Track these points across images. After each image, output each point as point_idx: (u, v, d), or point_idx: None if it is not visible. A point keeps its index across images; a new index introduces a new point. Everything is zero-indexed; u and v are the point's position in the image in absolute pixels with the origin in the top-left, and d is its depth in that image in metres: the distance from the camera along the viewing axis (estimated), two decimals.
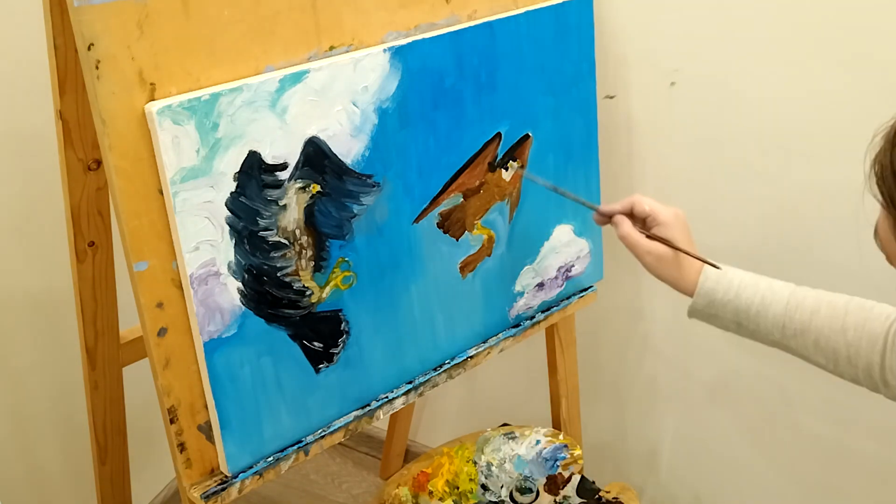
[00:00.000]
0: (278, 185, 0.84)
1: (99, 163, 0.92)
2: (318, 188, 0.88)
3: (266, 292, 0.87)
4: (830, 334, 0.86)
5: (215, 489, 0.89)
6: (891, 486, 1.28)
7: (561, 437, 1.30)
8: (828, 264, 1.18)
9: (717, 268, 0.93)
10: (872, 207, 0.69)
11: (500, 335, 1.15)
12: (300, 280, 0.89)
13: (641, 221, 0.96)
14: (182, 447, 0.87)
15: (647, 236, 0.95)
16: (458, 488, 1.25)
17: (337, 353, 0.95)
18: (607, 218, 0.99)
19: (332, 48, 0.88)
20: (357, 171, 0.90)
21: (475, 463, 1.28)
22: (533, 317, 1.19)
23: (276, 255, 0.86)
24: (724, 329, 0.94)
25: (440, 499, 1.24)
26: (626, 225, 0.96)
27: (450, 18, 0.98)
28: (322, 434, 0.97)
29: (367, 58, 0.88)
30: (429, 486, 1.25)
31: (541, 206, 1.13)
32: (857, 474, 1.30)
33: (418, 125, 0.95)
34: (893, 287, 1.14)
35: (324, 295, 0.92)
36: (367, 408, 1.01)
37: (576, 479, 1.24)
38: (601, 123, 1.18)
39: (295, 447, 0.95)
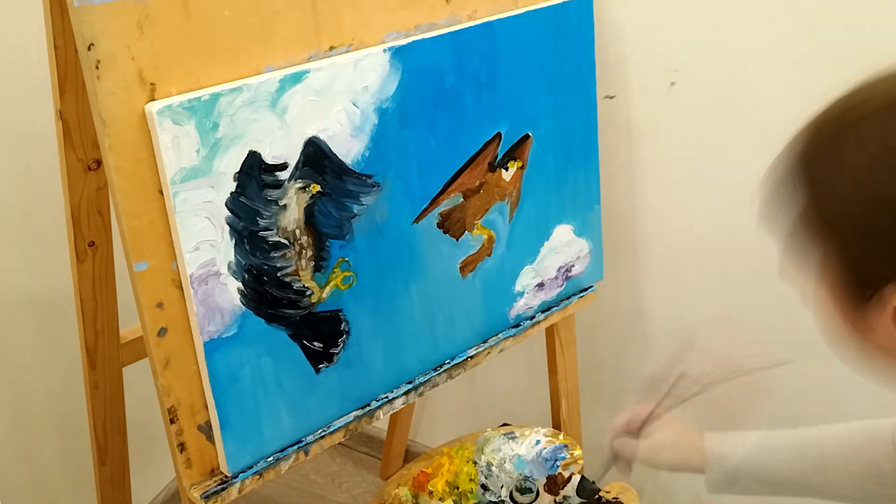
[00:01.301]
0: (278, 185, 0.84)
1: (99, 163, 0.92)
2: (318, 188, 0.88)
3: (266, 292, 0.87)
4: (843, 457, 0.86)
5: (215, 489, 0.89)
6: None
7: (561, 437, 1.30)
8: None
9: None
10: None
11: (500, 335, 1.15)
12: (300, 280, 0.89)
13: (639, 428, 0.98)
14: (182, 447, 0.87)
15: (636, 433, 0.97)
16: (458, 488, 1.25)
17: (337, 353, 0.95)
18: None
19: (332, 48, 0.88)
20: (357, 171, 0.90)
21: (475, 463, 1.28)
22: (533, 317, 1.19)
23: (276, 255, 0.86)
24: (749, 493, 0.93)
25: (440, 499, 1.24)
26: (628, 443, 0.97)
27: (450, 18, 0.98)
28: (322, 434, 0.97)
29: (367, 58, 0.88)
30: (429, 486, 1.25)
31: (541, 206, 1.13)
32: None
33: (418, 125, 0.95)
34: None
35: (324, 295, 0.92)
36: (367, 408, 1.01)
37: (576, 479, 1.24)
38: (601, 123, 1.18)
39: (295, 447, 0.95)
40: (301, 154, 0.85)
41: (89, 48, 0.71)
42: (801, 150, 0.66)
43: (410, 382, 1.05)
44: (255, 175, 0.82)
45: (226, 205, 0.81)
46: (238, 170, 0.81)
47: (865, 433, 0.86)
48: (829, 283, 0.64)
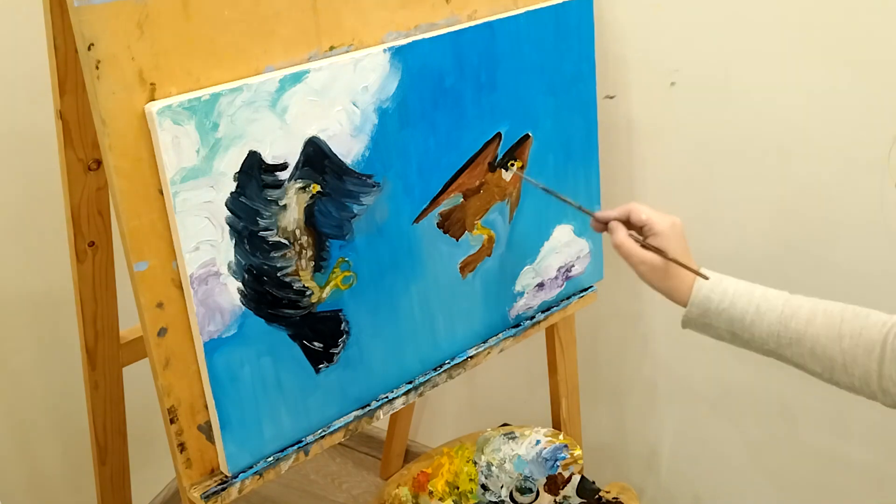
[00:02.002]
0: (278, 185, 0.84)
1: (99, 163, 0.92)
2: (318, 188, 0.88)
3: (266, 292, 0.87)
4: (826, 342, 0.86)
5: (215, 489, 0.89)
6: (887, 488, 1.28)
7: (561, 437, 1.30)
8: (827, 265, 1.18)
9: (705, 277, 0.92)
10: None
11: (500, 335, 1.15)
12: (300, 280, 0.89)
13: (638, 229, 0.96)
14: (182, 447, 0.87)
15: (642, 245, 0.95)
16: (458, 488, 1.25)
17: (337, 353, 0.95)
18: (603, 224, 0.99)
19: (332, 48, 0.88)
20: (357, 171, 0.90)
21: (475, 463, 1.28)
22: (533, 317, 1.19)
23: (276, 255, 0.86)
24: (718, 339, 0.94)
25: (440, 499, 1.24)
26: (621, 233, 0.96)
27: (450, 18, 0.98)
28: (322, 434, 0.97)
29: (367, 58, 0.88)
30: (429, 486, 1.25)
31: (541, 206, 1.13)
32: (855, 475, 1.31)
33: (418, 125, 0.95)
34: (893, 289, 1.15)
35: (324, 295, 0.92)
36: (367, 408, 1.01)
37: (576, 479, 1.24)
38: (601, 123, 1.18)
39: (295, 447, 0.95)
40: (301, 154, 0.85)
41: (89, 48, 0.71)
42: None
43: (410, 382, 1.05)
44: (255, 175, 0.82)
45: (226, 205, 0.81)
46: (238, 170, 0.81)
47: (858, 323, 0.85)
48: None
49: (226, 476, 0.90)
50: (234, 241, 0.82)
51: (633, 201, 0.97)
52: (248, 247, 0.84)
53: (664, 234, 0.94)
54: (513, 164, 1.07)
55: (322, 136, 0.86)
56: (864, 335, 0.84)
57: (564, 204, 1.14)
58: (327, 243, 0.90)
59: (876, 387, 0.83)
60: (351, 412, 1.00)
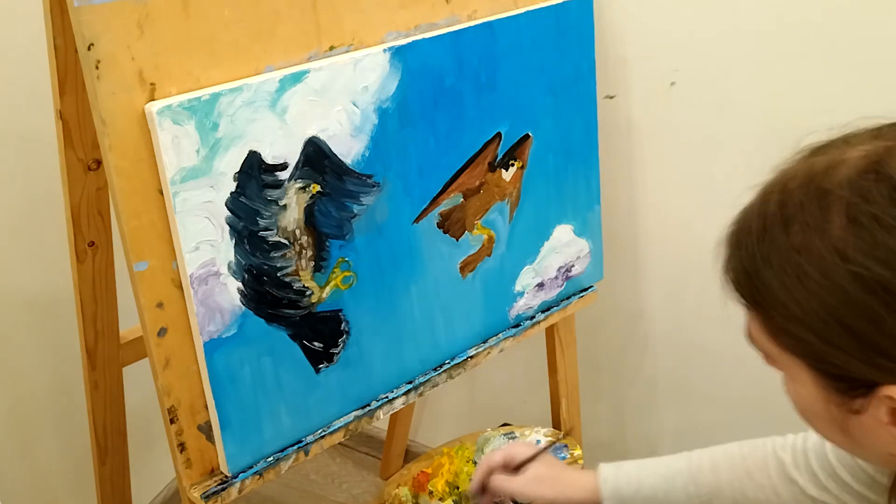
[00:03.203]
0: (278, 185, 0.84)
1: (99, 163, 0.92)
2: (318, 188, 0.88)
3: (266, 292, 0.87)
4: (739, 485, 0.84)
5: (215, 489, 0.89)
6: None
7: (561, 436, 1.30)
8: None
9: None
10: None
11: (500, 335, 1.15)
12: (300, 280, 0.89)
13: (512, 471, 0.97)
14: (182, 447, 0.87)
15: (514, 469, 0.96)
16: (458, 488, 1.25)
17: (337, 353, 0.95)
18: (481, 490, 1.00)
19: (332, 48, 0.88)
20: (357, 171, 0.90)
21: (475, 463, 1.28)
22: (533, 317, 1.19)
23: (276, 255, 0.86)
24: None
25: (440, 499, 1.24)
26: (499, 480, 0.96)
27: (450, 18, 0.98)
28: (322, 434, 0.97)
29: (367, 58, 0.88)
30: (429, 486, 1.25)
31: (541, 206, 1.13)
32: None
33: (418, 125, 0.95)
34: None
35: (324, 295, 0.92)
36: (367, 408, 1.01)
37: None
38: (601, 123, 1.18)
39: (295, 447, 0.95)
40: (301, 154, 0.85)
41: (89, 48, 0.71)
42: (737, 272, 0.60)
43: (410, 382, 1.05)
44: (255, 175, 0.82)
45: (226, 205, 0.81)
46: (238, 170, 0.81)
47: (758, 454, 0.84)
48: (810, 376, 0.58)
49: (226, 476, 0.90)
50: (234, 241, 0.82)
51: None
52: (248, 247, 0.84)
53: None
54: (513, 164, 1.07)
55: (322, 136, 0.86)
56: (771, 463, 0.83)
57: (565, 204, 1.14)
58: (327, 243, 0.90)
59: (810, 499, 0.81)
60: (351, 412, 1.00)
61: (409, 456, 1.75)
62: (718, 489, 0.85)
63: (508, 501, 0.99)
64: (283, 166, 0.84)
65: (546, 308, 1.20)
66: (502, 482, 0.96)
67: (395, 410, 1.05)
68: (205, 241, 0.80)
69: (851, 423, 0.58)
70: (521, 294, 1.16)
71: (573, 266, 1.21)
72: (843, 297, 0.53)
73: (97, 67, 0.72)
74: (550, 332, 1.29)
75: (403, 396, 1.05)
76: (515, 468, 0.97)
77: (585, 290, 1.25)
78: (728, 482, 0.85)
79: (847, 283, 0.52)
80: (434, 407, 1.79)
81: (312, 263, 0.90)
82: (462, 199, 1.03)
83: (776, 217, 0.57)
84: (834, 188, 0.55)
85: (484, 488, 0.99)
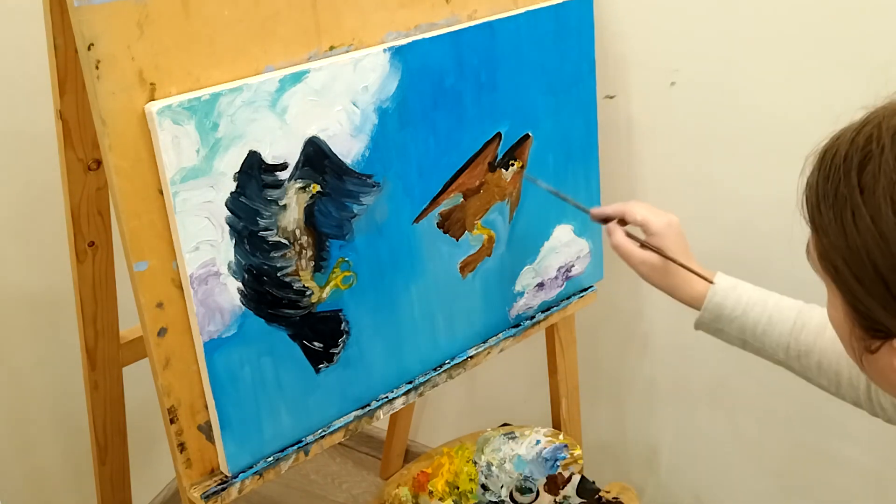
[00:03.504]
0: (278, 185, 0.84)
1: (99, 163, 0.92)
2: (318, 188, 0.88)
3: (266, 292, 0.87)
4: (833, 356, 0.85)
5: (215, 489, 0.89)
6: (886, 487, 1.28)
7: (561, 437, 1.30)
8: None
9: (711, 282, 0.92)
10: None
11: (500, 335, 1.15)
12: (300, 280, 0.89)
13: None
14: (182, 447, 0.87)
15: (641, 244, 0.95)
16: (458, 488, 1.25)
17: (337, 353, 0.95)
18: (601, 220, 0.99)
19: (332, 48, 0.88)
20: (357, 171, 0.90)
21: (475, 463, 1.28)
22: (533, 317, 1.19)
23: (276, 255, 0.86)
24: (729, 343, 0.94)
25: (440, 499, 1.24)
26: (619, 234, 0.96)
27: (450, 18, 0.98)
28: (322, 434, 0.97)
29: (367, 58, 0.88)
30: (429, 486, 1.25)
31: (541, 206, 1.13)
32: (855, 475, 1.31)
33: (418, 125, 0.95)
34: None
35: (324, 295, 0.92)
36: (367, 408, 1.01)
37: (576, 479, 1.24)
38: (601, 123, 1.18)
39: (295, 447, 0.95)
40: (301, 154, 0.85)
41: (89, 48, 0.71)
42: (810, 189, 0.63)
43: (410, 382, 1.05)
44: (255, 175, 0.82)
45: (226, 205, 0.81)
46: (238, 170, 0.81)
47: None
48: (844, 304, 0.62)
49: (226, 476, 0.90)
50: (234, 241, 0.82)
51: (631, 200, 0.97)
52: (248, 247, 0.84)
53: (661, 233, 0.94)
54: (513, 164, 1.07)
55: (322, 136, 0.86)
56: None
57: (565, 203, 1.14)
58: (327, 243, 0.90)
59: (876, 403, 0.83)
60: (351, 412, 1.00)
61: (409, 456, 1.75)
62: (809, 351, 0.87)
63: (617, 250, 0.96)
64: (283, 166, 0.84)
65: (546, 308, 1.20)
66: (620, 239, 0.96)
67: (395, 410, 1.05)
68: (205, 241, 0.80)
69: (867, 358, 0.62)
70: (521, 294, 1.15)
71: (573, 266, 1.21)
72: (884, 246, 0.55)
73: (97, 67, 0.72)
74: (550, 332, 1.29)
75: (403, 396, 1.05)
76: (642, 241, 0.96)
77: (585, 290, 1.25)
78: (822, 349, 0.86)
79: (891, 232, 0.55)
80: (434, 407, 1.79)
81: (312, 263, 0.90)
82: (462, 199, 1.03)
83: (860, 151, 0.58)
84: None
85: (606, 220, 0.99)
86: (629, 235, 0.97)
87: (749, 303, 0.91)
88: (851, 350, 0.64)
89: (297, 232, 0.87)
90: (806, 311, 0.89)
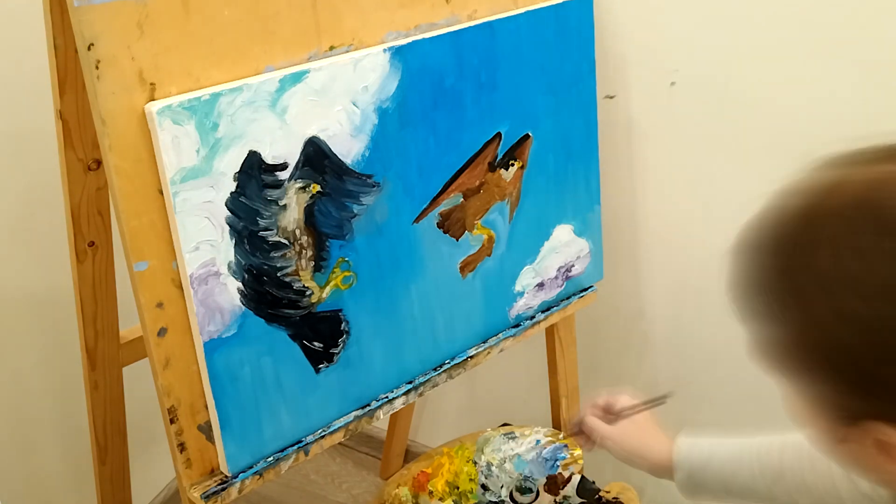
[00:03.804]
0: (278, 185, 0.84)
1: (99, 163, 0.92)
2: (318, 188, 0.88)
3: (266, 292, 0.87)
4: (800, 471, 0.84)
5: (215, 489, 0.89)
6: None
7: (561, 436, 1.30)
8: None
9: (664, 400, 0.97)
10: None
11: (500, 335, 1.15)
12: (300, 280, 0.89)
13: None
14: (182, 447, 0.87)
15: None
16: (458, 488, 1.25)
17: (337, 353, 0.95)
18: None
19: (332, 48, 0.88)
20: (357, 171, 0.90)
21: (475, 463, 1.28)
22: (533, 317, 1.19)
23: (276, 255, 0.86)
24: (717, 500, 0.93)
25: (440, 499, 1.24)
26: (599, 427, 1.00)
27: (450, 18, 0.98)
28: (322, 434, 0.97)
29: (367, 58, 0.88)
30: (429, 486, 1.25)
31: (541, 206, 1.13)
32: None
33: (418, 125, 0.95)
34: None
35: (324, 295, 0.92)
36: (367, 408, 1.01)
37: (576, 479, 1.24)
38: (601, 123, 1.18)
39: (295, 447, 0.95)
40: (301, 154, 0.85)
41: (89, 48, 0.71)
42: (760, 278, 0.58)
43: (410, 382, 1.05)
44: (255, 175, 0.82)
45: (226, 205, 0.81)
46: (238, 170, 0.81)
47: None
48: (801, 398, 0.58)
49: (226, 476, 0.90)
50: (234, 241, 0.82)
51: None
52: (248, 247, 0.84)
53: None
54: (513, 164, 1.07)
55: (322, 136, 0.86)
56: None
57: (565, 203, 1.14)
58: (327, 243, 0.90)
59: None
60: (351, 412, 1.00)
61: (409, 456, 1.75)
62: (781, 473, 0.86)
63: (596, 441, 1.02)
64: (283, 166, 0.84)
65: (546, 308, 1.20)
66: (595, 423, 1.01)
67: (395, 410, 1.05)
68: (205, 241, 0.80)
69: (836, 448, 0.59)
70: (521, 294, 1.15)
71: (573, 266, 1.21)
72: (824, 332, 0.53)
73: (97, 67, 0.72)
74: (550, 332, 1.29)
75: (403, 396, 1.05)
76: (615, 414, 1.01)
77: (585, 290, 1.25)
78: (790, 467, 0.85)
79: (827, 317, 0.52)
80: (434, 407, 1.79)
81: (312, 263, 0.90)
82: (462, 199, 1.03)
83: (804, 233, 0.55)
84: (824, 217, 0.53)
85: (581, 429, 1.03)
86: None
87: (712, 448, 0.92)
88: (821, 443, 0.60)
89: (297, 232, 0.87)
90: (764, 442, 0.88)
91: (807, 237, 0.54)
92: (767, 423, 1.37)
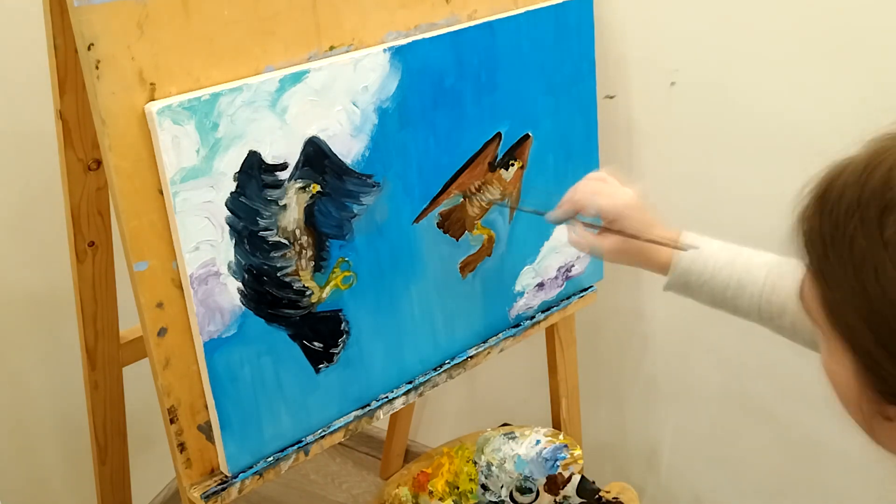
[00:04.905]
0: (278, 185, 0.84)
1: (99, 163, 0.92)
2: (318, 188, 0.88)
3: (266, 292, 0.87)
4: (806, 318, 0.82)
5: (215, 489, 0.89)
6: (887, 488, 1.28)
7: (561, 437, 1.30)
8: None
9: (683, 249, 0.88)
10: None
11: (500, 335, 1.15)
12: (300, 280, 0.89)
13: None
14: (182, 447, 0.87)
15: (601, 230, 0.91)
16: (458, 488, 1.25)
17: (337, 353, 0.95)
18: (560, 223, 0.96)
19: (332, 48, 0.88)
20: (357, 171, 0.90)
21: (475, 463, 1.28)
22: (533, 317, 1.19)
23: (276, 255, 0.86)
24: (704, 304, 0.90)
25: (440, 499, 1.24)
26: (571, 233, 0.93)
27: (450, 18, 0.98)
28: (322, 434, 0.97)
29: (367, 58, 0.88)
30: (429, 486, 1.25)
31: (541, 206, 1.13)
32: (857, 474, 1.30)
33: (418, 125, 0.95)
34: None
35: (324, 295, 0.92)
36: (367, 408, 1.01)
37: (576, 479, 1.24)
38: (601, 123, 1.18)
39: (295, 447, 0.95)
40: (301, 154, 0.85)
41: (89, 48, 0.71)
42: (812, 232, 0.56)
43: (410, 382, 1.05)
44: (255, 175, 0.82)
45: (226, 205, 0.81)
46: (238, 170, 0.81)
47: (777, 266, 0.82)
48: (849, 367, 0.56)
49: (226, 476, 0.90)
50: (234, 241, 0.82)
51: (580, 184, 0.93)
52: (248, 247, 0.84)
53: (620, 215, 0.89)
54: (513, 164, 1.07)
55: (322, 136, 0.86)
56: None
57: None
58: (327, 243, 0.90)
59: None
60: (351, 412, 1.00)
61: (409, 456, 1.75)
62: (783, 312, 0.82)
63: (577, 221, 0.93)
64: (283, 166, 0.84)
65: (546, 308, 1.20)
66: (576, 237, 0.92)
67: (395, 410, 1.05)
68: (205, 241, 0.80)
69: (877, 423, 0.57)
70: (521, 294, 1.15)
71: (573, 266, 1.21)
72: (886, 300, 0.50)
73: (97, 67, 0.72)
74: (550, 332, 1.29)
75: (403, 396, 1.05)
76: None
77: (585, 290, 1.25)
78: (794, 312, 0.79)
79: (890, 285, 0.50)
80: (434, 407, 1.79)
81: (312, 263, 0.90)
82: (462, 199, 1.03)
83: (876, 196, 0.52)
84: None
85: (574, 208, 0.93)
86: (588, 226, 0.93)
87: (716, 266, 0.87)
88: (857, 411, 0.58)
89: (297, 232, 0.87)
90: (776, 269, 0.84)
91: (882, 202, 0.51)
92: (768, 423, 1.37)
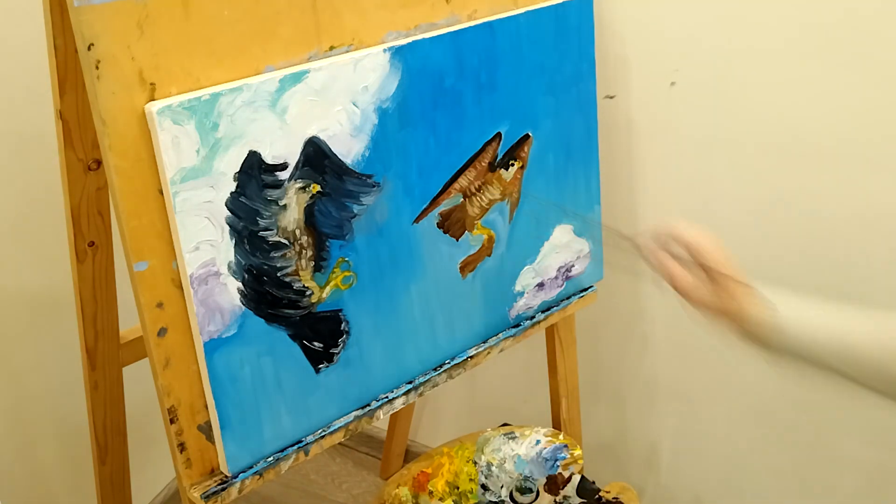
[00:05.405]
0: (278, 185, 0.84)
1: (99, 163, 0.92)
2: (318, 188, 0.88)
3: (266, 292, 0.87)
4: None
5: (215, 489, 0.89)
6: (888, 487, 1.28)
7: (561, 437, 1.30)
8: (828, 264, 1.18)
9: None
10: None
11: (500, 335, 1.15)
12: (300, 280, 0.89)
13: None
14: (182, 447, 0.87)
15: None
16: (458, 488, 1.25)
17: (337, 353, 0.95)
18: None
19: (332, 48, 0.88)
20: (357, 171, 0.90)
21: (475, 463, 1.28)
22: (533, 317, 1.19)
23: (276, 255, 0.86)
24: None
25: (440, 499, 1.24)
26: (682, 279, 0.81)
27: (450, 18, 0.98)
28: (322, 434, 0.97)
29: (368, 58, 0.88)
30: (429, 486, 1.25)
31: (541, 206, 1.13)
32: (857, 474, 1.31)
33: (418, 125, 0.95)
34: (893, 287, 1.15)
35: (324, 295, 0.92)
36: (367, 408, 1.01)
37: (576, 479, 1.24)
38: (601, 123, 1.18)
39: (295, 447, 0.95)
40: (301, 154, 0.85)
41: (89, 48, 0.71)
42: None
43: (410, 382, 1.05)
44: (255, 175, 0.82)
45: (226, 205, 0.81)
46: (238, 170, 0.81)
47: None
48: None
49: (226, 476, 0.90)
50: (234, 241, 0.82)
51: (667, 220, 0.85)
52: (248, 247, 0.84)
53: (712, 251, 0.81)
54: (513, 164, 1.07)
55: (322, 136, 0.86)
56: None
57: (565, 203, 1.14)
58: (327, 243, 0.90)
59: None
60: (351, 412, 1.00)
61: (409, 456, 1.75)
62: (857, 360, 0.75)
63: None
64: (283, 166, 0.84)
65: (546, 308, 1.20)
66: (692, 237, 0.81)
67: (395, 410, 1.05)
68: (205, 241, 0.80)
69: None
70: (521, 294, 1.15)
71: (573, 266, 1.21)
72: None
73: (97, 67, 0.72)
74: (550, 332, 1.29)
75: (403, 396, 1.05)
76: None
77: (585, 290, 1.25)
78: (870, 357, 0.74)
79: None
80: (434, 407, 1.79)
81: (312, 263, 0.90)
82: (462, 199, 1.03)
83: None
84: None
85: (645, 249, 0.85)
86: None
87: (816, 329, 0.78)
88: None
89: (297, 232, 0.87)
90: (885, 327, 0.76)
91: None
92: (768, 423, 1.37)
